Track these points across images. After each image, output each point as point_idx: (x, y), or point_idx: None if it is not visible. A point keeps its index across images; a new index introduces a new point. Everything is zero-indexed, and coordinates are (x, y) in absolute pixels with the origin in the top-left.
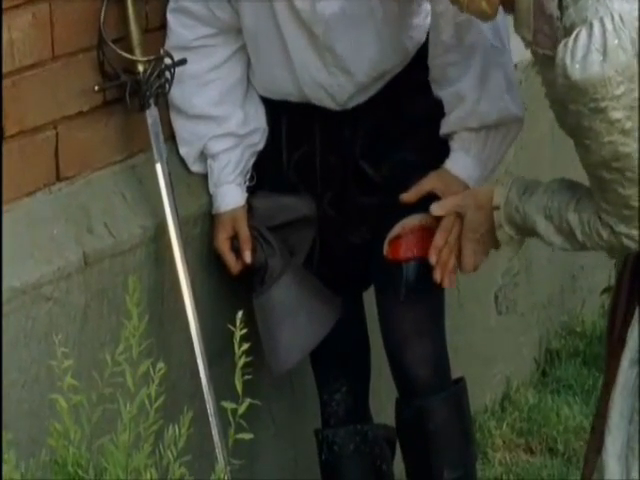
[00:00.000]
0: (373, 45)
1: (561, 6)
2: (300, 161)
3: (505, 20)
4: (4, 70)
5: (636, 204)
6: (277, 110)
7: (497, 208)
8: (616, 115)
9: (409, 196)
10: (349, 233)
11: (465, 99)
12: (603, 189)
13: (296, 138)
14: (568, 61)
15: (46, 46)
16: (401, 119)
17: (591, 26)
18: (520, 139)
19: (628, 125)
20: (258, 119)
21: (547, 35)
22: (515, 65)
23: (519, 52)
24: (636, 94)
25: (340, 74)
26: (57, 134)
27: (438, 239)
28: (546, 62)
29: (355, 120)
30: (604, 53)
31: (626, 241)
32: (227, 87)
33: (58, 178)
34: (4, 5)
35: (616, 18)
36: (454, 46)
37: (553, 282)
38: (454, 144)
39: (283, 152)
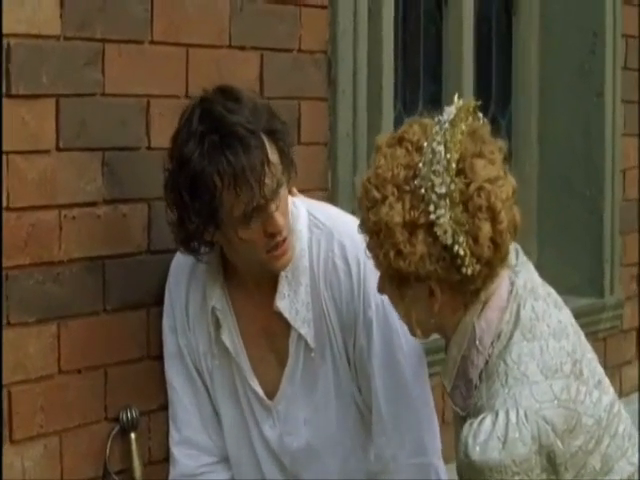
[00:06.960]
0: (337, 476)
1: (481, 377)
2: None
3: None
4: None
5: None
6: None
7: None
8: None
9: None
10: None
11: None
12: None
13: None
14: (470, 440)
15: (55, 475)
16: None
17: (497, 415)
18: None
19: None
20: None
21: (462, 395)
22: None
23: None
24: None
25: None
26: None
27: None
28: (457, 418)
29: None
30: (504, 442)
31: None
32: None
33: None
34: (19, 435)
35: (521, 413)
36: None
37: None
38: None
39: None
